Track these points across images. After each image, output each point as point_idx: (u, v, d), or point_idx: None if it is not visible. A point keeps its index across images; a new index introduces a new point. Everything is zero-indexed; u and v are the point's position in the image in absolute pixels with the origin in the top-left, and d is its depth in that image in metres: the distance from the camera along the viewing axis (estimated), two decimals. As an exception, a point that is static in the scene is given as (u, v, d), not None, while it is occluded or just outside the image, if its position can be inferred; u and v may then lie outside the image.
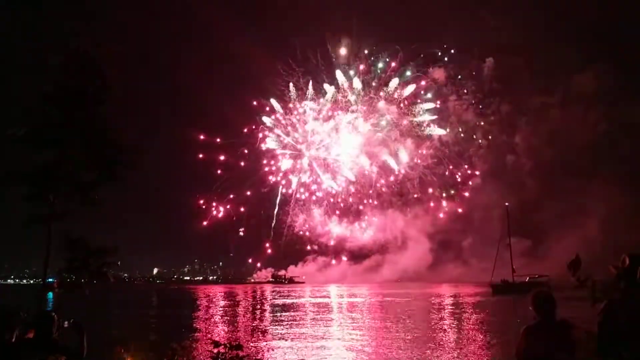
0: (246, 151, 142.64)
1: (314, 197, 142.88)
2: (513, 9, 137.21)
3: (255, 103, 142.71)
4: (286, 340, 27.02)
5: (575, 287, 4.46)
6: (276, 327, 33.82)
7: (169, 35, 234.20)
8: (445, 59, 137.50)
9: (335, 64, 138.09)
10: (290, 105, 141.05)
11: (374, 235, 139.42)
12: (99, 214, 12.63)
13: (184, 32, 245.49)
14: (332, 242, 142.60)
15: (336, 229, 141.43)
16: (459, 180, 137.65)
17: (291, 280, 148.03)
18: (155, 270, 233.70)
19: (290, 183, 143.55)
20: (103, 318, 33.95)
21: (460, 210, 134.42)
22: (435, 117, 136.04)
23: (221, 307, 59.12)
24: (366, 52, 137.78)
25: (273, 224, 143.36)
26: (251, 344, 24.45)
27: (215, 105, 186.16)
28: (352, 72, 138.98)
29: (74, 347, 5.25)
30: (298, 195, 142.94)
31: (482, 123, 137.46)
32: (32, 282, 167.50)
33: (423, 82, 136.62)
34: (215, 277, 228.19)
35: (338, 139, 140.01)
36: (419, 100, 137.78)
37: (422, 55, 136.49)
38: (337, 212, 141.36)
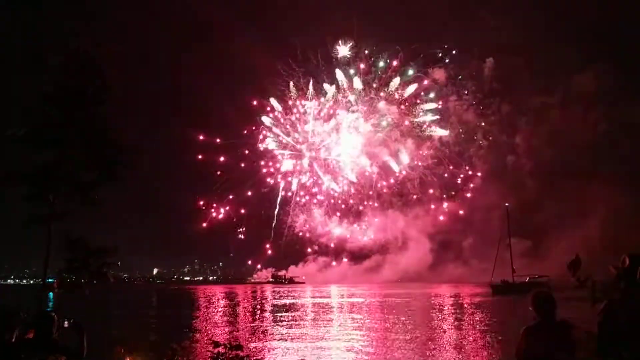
0: (247, 152, 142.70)
1: (314, 201, 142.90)
2: (513, 9, 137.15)
3: (255, 103, 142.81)
4: (286, 340, 27.02)
5: (575, 288, 4.46)
6: (276, 327, 33.82)
7: (169, 35, 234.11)
8: (447, 60, 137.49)
9: (335, 63, 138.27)
10: (290, 102, 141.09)
11: (375, 235, 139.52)
12: (99, 214, 12.66)
13: (184, 32, 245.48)
14: (332, 245, 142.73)
15: (336, 230, 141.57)
16: (459, 182, 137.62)
17: (291, 281, 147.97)
18: (155, 271, 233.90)
19: (291, 183, 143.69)
20: (103, 318, 33.96)
21: (461, 212, 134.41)
22: (437, 117, 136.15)
23: (221, 307, 59.13)
24: (366, 52, 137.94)
25: (273, 224, 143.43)
26: (251, 345, 24.45)
27: (215, 105, 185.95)
28: (352, 71, 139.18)
29: (74, 347, 5.25)
30: (298, 199, 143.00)
31: (483, 124, 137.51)
32: (32, 282, 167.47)
33: (426, 82, 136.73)
34: (215, 278, 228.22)
35: (338, 139, 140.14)
36: (418, 101, 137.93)
37: (422, 55, 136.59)
38: (338, 213, 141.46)
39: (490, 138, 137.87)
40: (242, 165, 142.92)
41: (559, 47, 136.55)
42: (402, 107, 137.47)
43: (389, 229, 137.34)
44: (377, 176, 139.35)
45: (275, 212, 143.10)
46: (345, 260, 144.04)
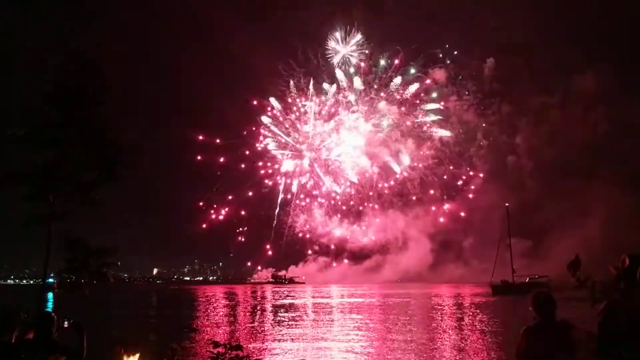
0: (247, 152, 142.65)
1: (315, 204, 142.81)
2: (513, 9, 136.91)
3: (255, 103, 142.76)
4: (286, 341, 27.02)
5: (575, 288, 4.46)
6: (276, 327, 33.81)
7: (169, 35, 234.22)
8: (448, 61, 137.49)
9: (337, 62, 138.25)
10: (289, 100, 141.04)
11: (375, 236, 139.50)
12: (99, 214, 12.67)
13: (184, 32, 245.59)
14: (332, 247, 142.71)
15: (337, 230, 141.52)
16: (460, 184, 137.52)
17: (291, 281, 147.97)
18: (155, 271, 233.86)
19: (291, 184, 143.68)
20: (103, 318, 33.95)
21: (462, 214, 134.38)
22: (439, 117, 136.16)
23: (221, 307, 59.13)
24: (367, 52, 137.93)
25: (274, 224, 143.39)
26: (251, 345, 24.44)
27: (215, 105, 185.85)
28: (352, 70, 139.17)
29: (74, 347, 5.25)
30: (298, 202, 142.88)
31: (484, 125, 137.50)
32: (32, 282, 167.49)
33: (428, 81, 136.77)
34: (215, 278, 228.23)
35: (339, 140, 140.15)
36: (417, 101, 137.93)
37: (422, 55, 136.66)
38: (339, 215, 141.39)
39: (491, 138, 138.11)
40: (242, 166, 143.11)
41: (559, 48, 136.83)
42: (403, 108, 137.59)
43: (389, 229, 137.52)
44: (377, 176, 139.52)
45: (276, 212, 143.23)
46: (345, 261, 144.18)
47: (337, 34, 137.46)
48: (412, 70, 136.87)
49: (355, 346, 24.73)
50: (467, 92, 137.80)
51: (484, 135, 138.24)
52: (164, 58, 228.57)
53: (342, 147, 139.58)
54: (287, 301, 64.33)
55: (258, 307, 56.45)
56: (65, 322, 5.43)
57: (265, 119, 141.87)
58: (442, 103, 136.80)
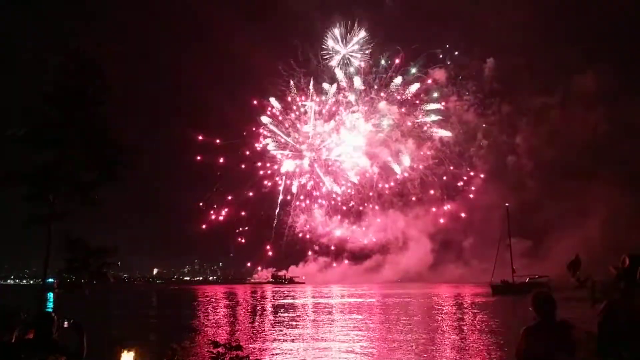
0: (247, 152, 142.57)
1: (316, 205, 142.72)
2: (513, 9, 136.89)
3: (255, 103, 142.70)
4: (286, 341, 27.01)
5: (575, 288, 4.46)
6: (276, 327, 33.81)
7: (169, 35, 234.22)
8: (449, 63, 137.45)
9: (338, 61, 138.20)
10: (289, 98, 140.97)
11: (375, 236, 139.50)
12: (99, 214, 12.67)
13: (184, 32, 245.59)
14: (332, 248, 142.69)
15: (337, 230, 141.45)
16: (461, 184, 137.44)
17: (291, 281, 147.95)
18: (155, 271, 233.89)
19: (291, 184, 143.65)
20: (103, 318, 33.95)
21: (463, 215, 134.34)
22: (440, 117, 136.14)
23: (221, 307, 59.13)
24: (367, 52, 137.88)
25: (274, 224, 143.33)
26: (251, 345, 24.44)
27: (215, 105, 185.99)
28: (352, 70, 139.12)
29: (74, 347, 5.25)
30: (298, 203, 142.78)
31: (484, 125, 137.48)
32: (32, 282, 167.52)
33: (430, 81, 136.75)
34: (215, 278, 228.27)
35: (339, 140, 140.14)
36: (417, 101, 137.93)
37: (423, 55, 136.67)
38: (339, 216, 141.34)
39: (491, 138, 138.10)
40: (243, 166, 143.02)
41: (559, 48, 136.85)
42: (404, 109, 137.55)
43: (389, 229, 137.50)
44: (377, 177, 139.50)
45: (276, 213, 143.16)
46: (346, 261, 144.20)
47: (337, 34, 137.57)
48: (414, 70, 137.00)
49: (356, 346, 24.73)
50: (467, 92, 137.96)
51: (484, 135, 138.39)
52: (164, 58, 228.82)
53: (342, 147, 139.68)
54: (287, 301, 64.33)
55: (258, 307, 56.45)
56: (65, 322, 5.43)
57: (265, 119, 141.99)
58: (443, 103, 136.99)
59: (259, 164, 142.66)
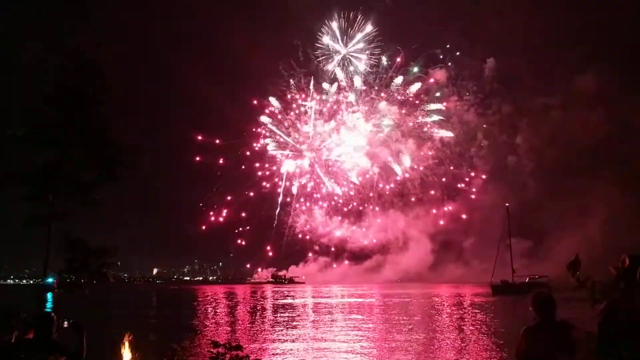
0: (248, 153, 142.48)
1: (317, 206, 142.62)
2: (514, 10, 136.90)
3: (255, 102, 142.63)
4: (286, 341, 27.01)
5: (575, 288, 4.46)
6: (276, 328, 33.81)
7: (169, 35, 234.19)
8: (450, 64, 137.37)
9: (335, 62, 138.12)
10: (289, 96, 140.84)
11: (375, 236, 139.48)
12: (99, 214, 12.66)
13: (184, 32, 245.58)
14: (333, 249, 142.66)
15: (337, 231, 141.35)
16: (463, 186, 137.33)
17: (291, 281, 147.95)
18: (155, 271, 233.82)
19: (292, 184, 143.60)
20: (103, 318, 33.95)
21: (464, 216, 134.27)
22: (441, 118, 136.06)
23: (221, 307, 59.13)
24: (368, 52, 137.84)
25: (274, 224, 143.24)
26: (251, 345, 24.44)
27: (215, 105, 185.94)
28: (352, 69, 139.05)
29: (73, 347, 5.25)
30: (298, 205, 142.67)
31: (485, 125, 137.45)
32: (32, 282, 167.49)
33: (432, 80, 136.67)
34: (215, 278, 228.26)
35: (339, 140, 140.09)
36: (417, 102, 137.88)
37: (422, 56, 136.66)
38: (339, 217, 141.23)
39: (491, 138, 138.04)
40: (243, 167, 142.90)
41: (559, 48, 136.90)
42: (404, 110, 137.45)
43: (389, 229, 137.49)
44: (378, 177, 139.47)
45: (276, 213, 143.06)
46: (346, 262, 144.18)
47: (338, 34, 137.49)
48: (416, 69, 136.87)
49: (356, 346, 24.72)
50: (467, 92, 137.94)
51: (485, 136, 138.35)
52: (164, 58, 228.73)
53: (342, 148, 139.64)
54: (287, 301, 64.33)
55: (258, 307, 56.44)
56: (65, 322, 5.43)
57: (265, 119, 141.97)
58: (445, 104, 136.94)
59: (257, 164, 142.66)
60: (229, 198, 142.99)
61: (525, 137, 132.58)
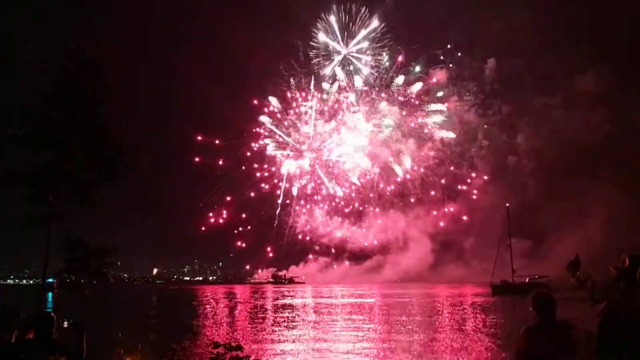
0: (249, 153, 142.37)
1: (317, 209, 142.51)
2: (514, 10, 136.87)
3: (255, 102, 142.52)
4: (286, 341, 27.02)
5: (575, 288, 4.46)
6: (276, 328, 33.81)
7: (169, 35, 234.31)
8: (450, 65, 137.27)
9: (335, 62, 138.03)
10: (289, 95, 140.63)
11: (376, 237, 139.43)
12: (99, 214, 12.65)
13: (184, 32, 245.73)
14: (333, 250, 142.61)
15: (338, 232, 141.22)
16: (465, 187, 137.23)
17: (291, 281, 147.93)
18: (155, 271, 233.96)
19: (292, 184, 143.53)
20: (103, 318, 33.95)
21: (465, 217, 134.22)
22: (443, 119, 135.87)
23: (221, 307, 59.13)
24: (368, 52, 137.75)
25: (275, 224, 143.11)
26: (251, 346, 24.44)
27: (215, 105, 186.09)
28: (352, 69, 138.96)
29: (73, 347, 5.26)
30: (298, 208, 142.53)
31: (485, 126, 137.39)
32: (32, 282, 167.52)
33: (435, 79, 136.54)
34: (215, 278, 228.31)
35: (340, 140, 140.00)
36: (417, 102, 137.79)
37: (423, 56, 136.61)
38: (340, 218, 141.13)
39: (492, 139, 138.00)
40: (243, 167, 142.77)
41: (560, 48, 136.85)
42: (404, 112, 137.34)
43: (390, 229, 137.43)
44: (378, 177, 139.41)
45: (277, 213, 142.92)
46: (346, 263, 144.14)
47: (338, 34, 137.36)
48: (418, 68, 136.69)
49: (356, 347, 24.72)
50: (468, 93, 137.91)
51: (485, 136, 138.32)
52: (164, 58, 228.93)
53: (342, 148, 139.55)
54: (287, 301, 64.33)
55: (258, 307, 56.44)
56: (65, 322, 5.43)
57: (265, 119, 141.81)
58: (446, 104, 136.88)
59: (256, 165, 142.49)
60: (228, 198, 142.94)
61: (526, 137, 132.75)
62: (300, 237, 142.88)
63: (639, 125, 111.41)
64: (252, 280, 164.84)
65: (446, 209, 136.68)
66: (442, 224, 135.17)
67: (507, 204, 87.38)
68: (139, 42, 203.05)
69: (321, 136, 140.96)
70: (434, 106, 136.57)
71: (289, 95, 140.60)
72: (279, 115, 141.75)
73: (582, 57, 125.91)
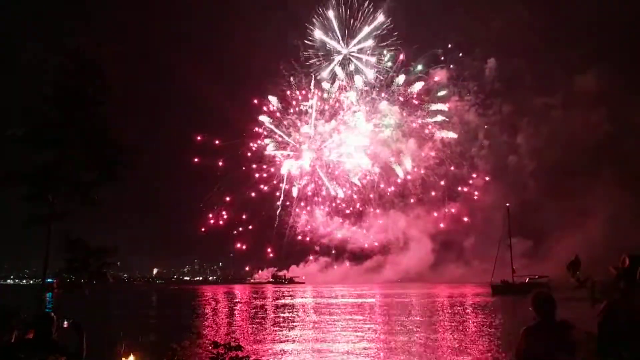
0: (249, 154, 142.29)
1: (319, 208, 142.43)
2: (515, 10, 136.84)
3: (255, 102, 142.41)
4: (286, 341, 27.01)
5: (575, 288, 4.45)
6: (276, 328, 33.80)
7: (169, 35, 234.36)
8: (451, 66, 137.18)
9: (336, 61, 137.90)
10: (289, 93, 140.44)
11: (376, 237, 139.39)
12: (99, 214, 12.66)
13: (184, 32, 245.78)
14: (333, 251, 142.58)
15: (338, 232, 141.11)
16: (466, 189, 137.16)
17: (291, 281, 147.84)
18: (155, 271, 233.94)
19: (292, 184, 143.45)
20: (103, 318, 33.95)
21: (466, 219, 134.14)
22: (444, 119, 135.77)
23: (221, 307, 59.14)
24: (369, 52, 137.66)
25: (275, 224, 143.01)
26: (251, 346, 24.43)
27: (215, 105, 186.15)
28: (352, 68, 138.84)
29: (73, 347, 5.25)
30: (298, 210, 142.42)
31: (486, 126, 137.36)
32: (32, 282, 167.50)
33: (437, 78, 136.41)
34: (215, 278, 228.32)
35: (340, 140, 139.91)
36: (417, 102, 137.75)
37: (423, 56, 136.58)
38: (340, 219, 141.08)
39: (492, 138, 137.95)
40: (243, 168, 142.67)
41: (560, 48, 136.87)
42: (404, 113, 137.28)
43: (390, 230, 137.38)
44: (378, 177, 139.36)
45: (277, 213, 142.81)
46: (347, 263, 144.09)
47: (339, 34, 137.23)
48: (420, 67, 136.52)
49: (356, 347, 24.72)
50: (468, 93, 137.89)
51: (485, 136, 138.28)
52: (164, 58, 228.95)
53: (343, 148, 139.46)
54: (287, 301, 64.33)
55: (258, 307, 56.43)
56: (65, 322, 5.43)
57: (265, 119, 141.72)
58: (448, 105, 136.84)
59: (254, 166, 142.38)
60: (228, 199, 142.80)
61: (526, 137, 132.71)
62: (300, 237, 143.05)
63: (639, 125, 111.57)
64: (252, 280, 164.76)
65: (446, 210, 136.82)
66: (442, 225, 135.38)
67: (508, 204, 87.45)
68: (139, 42, 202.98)
69: (321, 136, 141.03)
70: (434, 106, 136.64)
71: (288, 93, 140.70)
72: (278, 115, 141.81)
73: (582, 57, 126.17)
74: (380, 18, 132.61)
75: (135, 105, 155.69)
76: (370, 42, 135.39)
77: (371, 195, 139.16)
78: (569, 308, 5.19)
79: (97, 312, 34.02)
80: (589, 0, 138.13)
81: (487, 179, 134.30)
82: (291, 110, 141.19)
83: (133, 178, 12.51)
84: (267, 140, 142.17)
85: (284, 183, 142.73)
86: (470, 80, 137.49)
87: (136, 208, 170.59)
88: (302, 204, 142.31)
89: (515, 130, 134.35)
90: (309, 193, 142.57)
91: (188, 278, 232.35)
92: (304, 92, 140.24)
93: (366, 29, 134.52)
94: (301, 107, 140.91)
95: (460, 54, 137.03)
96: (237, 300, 73.29)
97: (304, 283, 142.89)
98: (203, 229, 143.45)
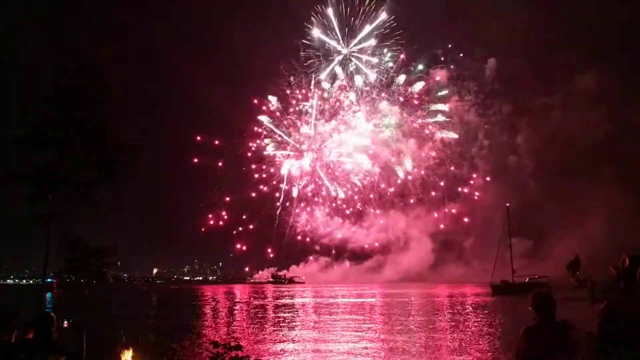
0: (249, 154, 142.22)
1: (320, 209, 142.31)
2: (515, 10, 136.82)
3: (255, 102, 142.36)
4: (286, 341, 27.01)
5: (575, 288, 4.45)
6: (276, 328, 33.80)
7: (169, 35, 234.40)
8: (451, 66, 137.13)
9: (336, 61, 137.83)
10: (289, 93, 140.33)
11: (376, 237, 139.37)
12: (99, 214, 12.67)
13: (184, 32, 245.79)
14: (333, 251, 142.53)
15: (338, 232, 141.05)
16: (466, 189, 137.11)
17: (291, 281, 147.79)
18: (155, 271, 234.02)
19: (292, 184, 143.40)
20: (103, 318, 33.95)
21: (466, 219, 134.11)
22: (445, 119, 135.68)
23: (221, 307, 59.14)
24: (369, 52, 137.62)
25: (275, 224, 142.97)
26: (250, 345, 24.43)
27: (215, 105, 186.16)
28: (352, 68, 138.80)
29: (73, 347, 5.25)
30: (298, 210, 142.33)
31: (486, 126, 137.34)
32: (31, 282, 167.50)
33: (438, 77, 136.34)
34: (215, 278, 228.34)
35: (340, 140, 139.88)
36: (417, 102, 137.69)
37: (423, 56, 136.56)
38: (340, 219, 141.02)
39: (492, 138, 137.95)
40: (243, 168, 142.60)
41: (560, 48, 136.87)
42: (405, 114, 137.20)
43: (390, 229, 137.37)
44: (379, 177, 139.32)
45: (277, 213, 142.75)
46: (347, 263, 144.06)
47: (339, 33, 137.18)
48: (420, 67, 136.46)
49: (356, 347, 24.71)
50: (468, 93, 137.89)
51: (485, 136, 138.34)
52: (164, 58, 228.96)
53: (343, 148, 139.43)
54: (287, 301, 64.33)
55: (258, 307, 56.44)
56: (65, 322, 5.43)
57: (265, 119, 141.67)
58: (448, 105, 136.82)
59: (254, 166, 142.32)
60: (228, 199, 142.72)
61: (526, 137, 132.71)
62: (300, 237, 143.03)
63: (638, 125, 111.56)
64: (252, 280, 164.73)
65: (446, 210, 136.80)
66: (442, 225, 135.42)
67: (508, 204, 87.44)
68: (139, 42, 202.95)
69: (321, 136, 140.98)
70: (434, 106, 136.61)
71: (288, 93, 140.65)
72: (278, 115, 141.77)
73: (582, 57, 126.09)
74: (383, 15, 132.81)
75: (135, 105, 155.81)
76: (371, 41, 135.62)
77: (371, 196, 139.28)
78: (569, 308, 5.19)
79: (97, 312, 34.03)
80: (589, 0, 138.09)
81: (487, 179, 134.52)
82: (291, 110, 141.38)
83: (133, 178, 12.53)
84: (267, 140, 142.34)
85: (284, 183, 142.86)
86: (470, 80, 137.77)
87: (136, 208, 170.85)
88: (302, 204, 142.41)
89: (515, 130, 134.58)
90: (309, 193, 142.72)
91: (188, 278, 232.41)
92: (304, 92, 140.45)
93: (367, 28, 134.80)
94: (301, 107, 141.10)
95: (461, 54, 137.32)
96: (237, 300, 73.29)
97: (304, 283, 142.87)
98: (203, 229, 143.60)
